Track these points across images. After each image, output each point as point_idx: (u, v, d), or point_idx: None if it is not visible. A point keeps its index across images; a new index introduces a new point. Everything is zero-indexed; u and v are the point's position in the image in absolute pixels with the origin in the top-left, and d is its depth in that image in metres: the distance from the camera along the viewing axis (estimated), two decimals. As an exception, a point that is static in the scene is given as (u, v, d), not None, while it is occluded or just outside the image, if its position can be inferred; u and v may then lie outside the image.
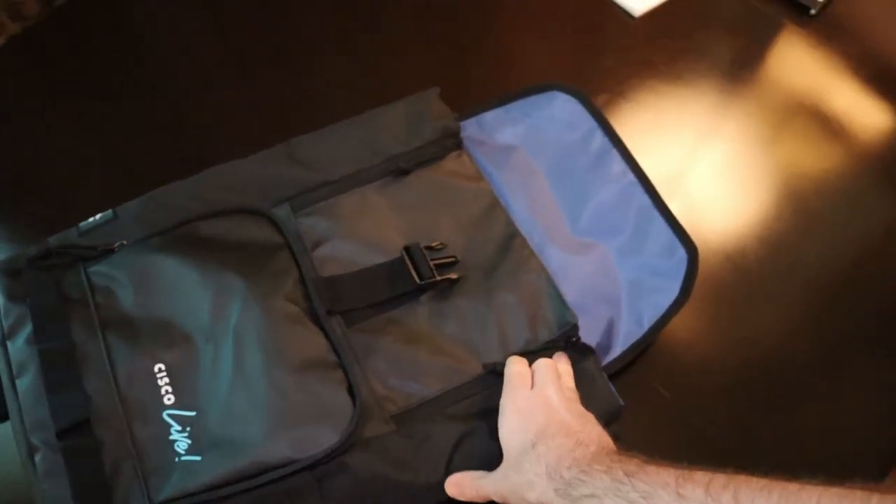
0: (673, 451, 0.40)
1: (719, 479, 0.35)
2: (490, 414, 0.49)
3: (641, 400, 0.55)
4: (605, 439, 0.44)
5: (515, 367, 0.50)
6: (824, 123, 0.73)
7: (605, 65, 0.75)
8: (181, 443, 0.46)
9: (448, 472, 0.48)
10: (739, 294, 0.62)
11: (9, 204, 0.63)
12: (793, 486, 0.33)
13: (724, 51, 0.77)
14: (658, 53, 0.75)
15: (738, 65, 0.76)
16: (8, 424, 0.51)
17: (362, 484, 0.47)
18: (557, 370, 0.50)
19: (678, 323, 0.57)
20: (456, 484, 0.48)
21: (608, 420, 0.51)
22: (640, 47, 0.76)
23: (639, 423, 0.54)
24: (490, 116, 0.66)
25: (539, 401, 0.47)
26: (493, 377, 0.51)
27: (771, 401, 0.57)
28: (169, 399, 0.48)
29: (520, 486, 0.43)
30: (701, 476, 0.36)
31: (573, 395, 0.49)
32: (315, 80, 0.70)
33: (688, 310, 0.57)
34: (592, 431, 0.45)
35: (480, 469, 0.48)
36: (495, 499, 0.46)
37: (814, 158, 0.71)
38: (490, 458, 0.47)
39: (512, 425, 0.47)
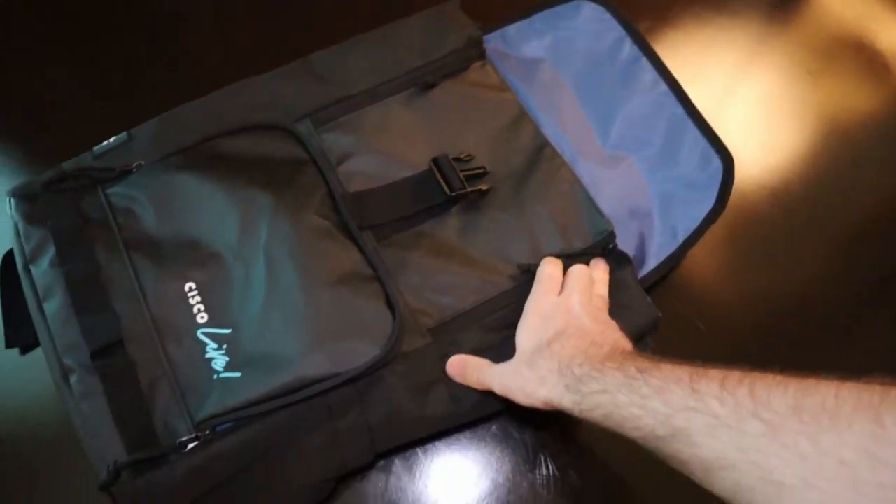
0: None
1: (734, 374, 0.34)
2: None
3: (672, 328, 0.54)
4: (623, 342, 0.44)
5: (548, 269, 0.49)
6: (872, 56, 0.70)
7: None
8: (219, 360, 0.46)
9: None
10: (780, 229, 0.61)
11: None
12: (809, 381, 0.32)
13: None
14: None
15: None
16: (22, 357, 0.51)
17: (400, 397, 0.46)
18: (591, 277, 0.49)
19: (712, 254, 0.55)
20: (459, 365, 0.47)
21: (644, 332, 0.51)
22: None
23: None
24: (514, 29, 0.63)
25: (563, 308, 0.46)
26: (527, 284, 0.49)
27: (806, 340, 0.57)
28: (202, 318, 0.47)
29: (531, 381, 0.43)
30: (716, 372, 0.35)
31: (602, 303, 0.48)
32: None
33: (723, 241, 0.55)
34: (610, 336, 0.44)
35: None
36: (497, 391, 0.45)
37: (861, 92, 0.68)
38: None
39: (532, 325, 0.46)
